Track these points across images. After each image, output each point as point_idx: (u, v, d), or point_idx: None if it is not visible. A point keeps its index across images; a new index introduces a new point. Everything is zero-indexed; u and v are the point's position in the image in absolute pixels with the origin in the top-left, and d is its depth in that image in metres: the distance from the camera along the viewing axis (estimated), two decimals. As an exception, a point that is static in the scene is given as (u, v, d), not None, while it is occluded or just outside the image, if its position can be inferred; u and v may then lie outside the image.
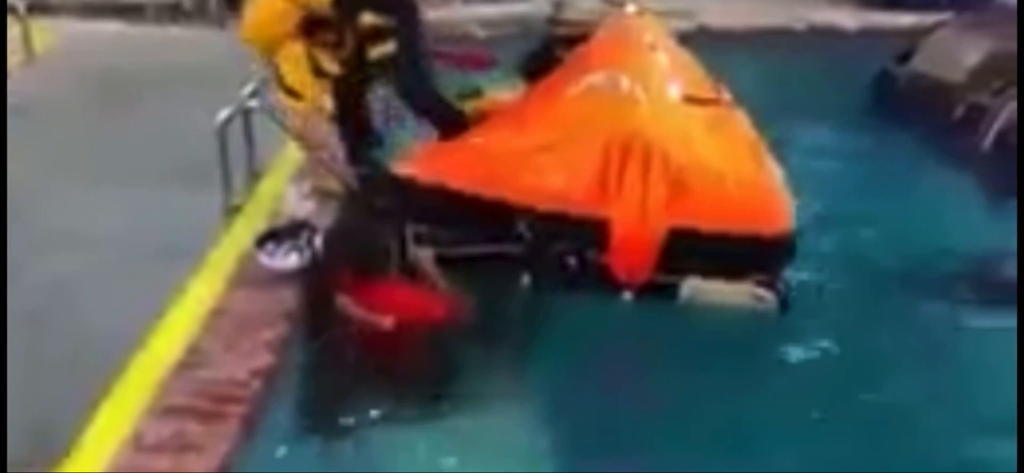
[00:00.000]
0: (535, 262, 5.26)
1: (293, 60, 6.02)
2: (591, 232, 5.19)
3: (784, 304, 5.22)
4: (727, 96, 6.38)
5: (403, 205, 5.47)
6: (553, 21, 8.39)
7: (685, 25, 10.10)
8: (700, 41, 9.53)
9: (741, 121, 6.12)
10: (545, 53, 6.79)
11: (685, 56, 6.61)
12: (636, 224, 5.16)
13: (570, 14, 8.75)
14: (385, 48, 6.10)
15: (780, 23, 11.10)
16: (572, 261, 5.25)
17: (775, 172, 5.59)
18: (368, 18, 6.04)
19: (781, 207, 5.32)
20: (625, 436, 4.39)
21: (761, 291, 5.21)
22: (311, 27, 6.00)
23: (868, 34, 10.76)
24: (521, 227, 5.24)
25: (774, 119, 6.45)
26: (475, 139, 5.75)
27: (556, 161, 5.33)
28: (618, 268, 5.19)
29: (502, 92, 6.61)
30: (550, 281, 5.25)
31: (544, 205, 5.23)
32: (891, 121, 8.13)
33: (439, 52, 7.12)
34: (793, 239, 5.26)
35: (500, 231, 5.28)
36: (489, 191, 5.30)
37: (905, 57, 8.70)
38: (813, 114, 8.00)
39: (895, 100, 8.45)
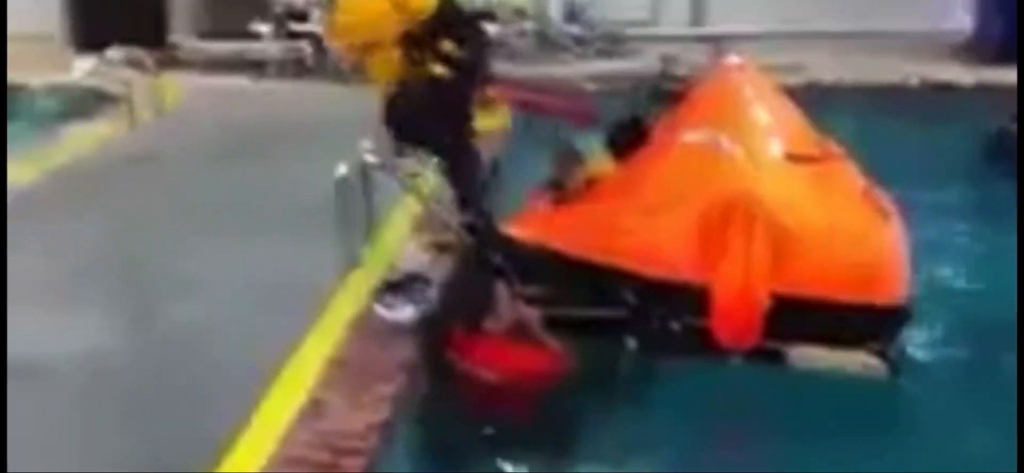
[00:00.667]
0: (639, 327, 5.28)
1: (386, 62, 6.17)
2: (694, 298, 5.16)
3: (895, 371, 5.11)
4: (836, 150, 6.28)
5: (509, 264, 5.55)
6: (664, 77, 8.50)
7: (795, 80, 10.10)
8: (810, 96, 9.55)
9: (850, 177, 5.99)
10: (632, 126, 6.67)
11: (789, 109, 6.48)
12: (738, 291, 5.09)
13: (679, 70, 8.85)
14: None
15: (893, 79, 11.02)
16: (676, 326, 5.24)
17: (891, 231, 5.45)
18: (447, 45, 6.14)
19: (894, 272, 5.17)
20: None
21: (871, 360, 5.11)
22: (407, 42, 6.15)
23: (984, 90, 10.60)
24: (625, 292, 5.27)
25: (887, 178, 6.42)
26: (580, 202, 5.80)
27: (658, 225, 5.32)
28: (722, 335, 5.13)
29: (600, 162, 6.64)
30: (655, 345, 5.27)
31: (647, 270, 5.23)
32: (1008, 180, 8.00)
33: (540, 99, 7.22)
34: (907, 307, 5.13)
35: (605, 295, 5.31)
36: (592, 255, 5.33)
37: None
38: (927, 173, 7.90)
39: (1012, 159, 8.30)
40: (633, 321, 5.29)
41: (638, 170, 5.84)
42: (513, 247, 5.60)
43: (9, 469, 3.59)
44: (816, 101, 9.16)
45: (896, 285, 5.14)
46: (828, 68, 11.32)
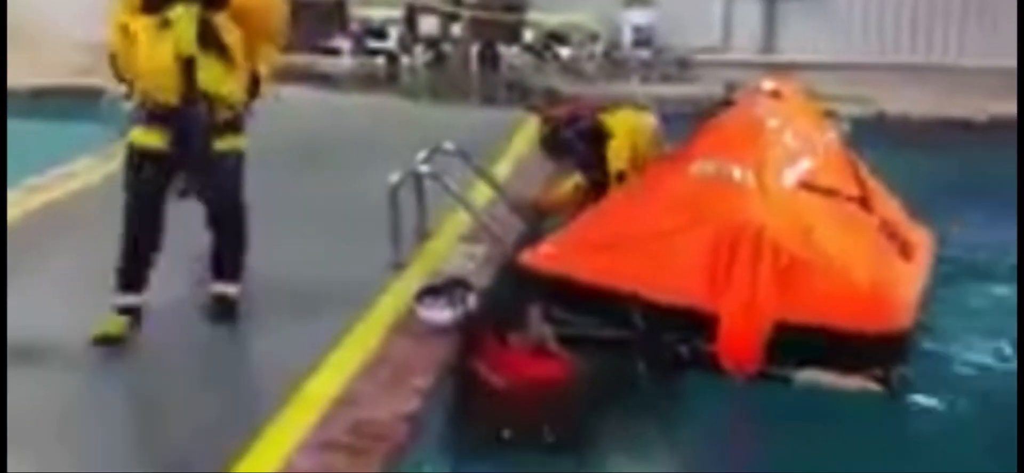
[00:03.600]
0: (647, 350, 5.43)
1: None
2: (699, 323, 5.30)
3: (894, 395, 5.20)
4: (869, 180, 6.28)
5: (524, 289, 5.74)
6: (727, 103, 8.59)
7: (862, 111, 10.15)
8: (876, 129, 9.60)
9: (879, 208, 6.06)
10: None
11: (822, 139, 6.48)
12: (743, 318, 5.21)
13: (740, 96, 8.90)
14: None
15: (961, 114, 10.97)
16: (683, 350, 5.39)
17: (901, 262, 5.58)
18: None
19: (896, 302, 5.27)
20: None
21: (872, 385, 5.18)
22: None
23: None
24: (634, 316, 5.41)
25: (937, 212, 6.48)
26: (588, 225, 5.91)
27: (665, 251, 5.43)
28: (726, 360, 5.26)
29: None
30: (664, 367, 5.41)
31: (654, 295, 5.37)
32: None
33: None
34: (907, 336, 5.23)
35: (615, 318, 5.46)
36: (601, 279, 5.47)
37: None
38: (979, 209, 7.86)
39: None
40: (642, 343, 5.43)
41: (648, 197, 5.91)
42: (527, 273, 5.77)
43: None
44: (880, 133, 9.27)
45: (895, 313, 5.22)
46: (896, 101, 11.31)
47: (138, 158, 5.40)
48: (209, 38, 5.25)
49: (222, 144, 5.45)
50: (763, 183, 5.65)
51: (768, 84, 6.54)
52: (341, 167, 8.40)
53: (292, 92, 11.42)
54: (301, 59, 11.74)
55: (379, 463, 4.44)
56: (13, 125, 8.57)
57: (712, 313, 5.28)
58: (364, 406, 4.82)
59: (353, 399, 4.87)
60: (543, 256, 5.79)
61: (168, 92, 5.26)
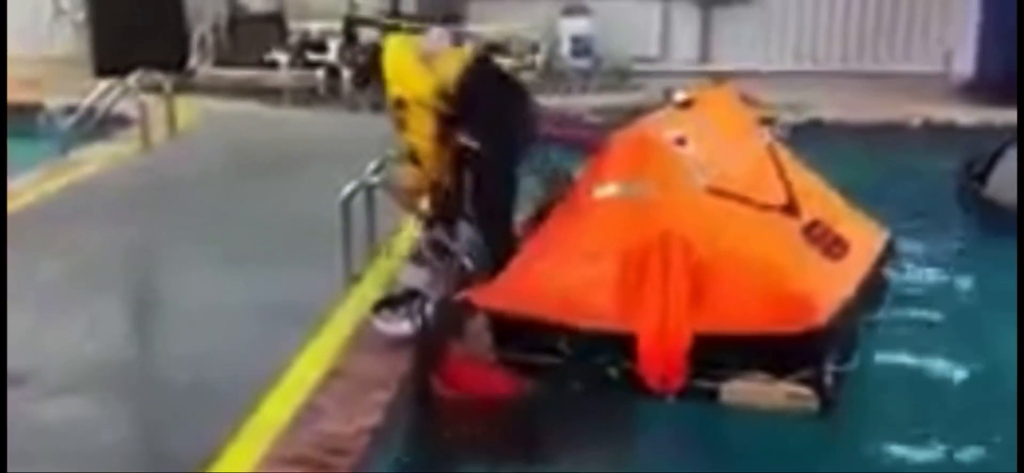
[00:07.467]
0: (578, 375, 5.43)
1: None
2: (621, 345, 5.28)
3: (827, 403, 5.13)
4: (804, 180, 6.28)
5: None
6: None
7: (796, 118, 10.32)
8: (810, 134, 9.75)
9: (810, 207, 6.00)
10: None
11: (745, 144, 6.42)
12: (659, 334, 5.20)
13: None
14: None
15: (894, 118, 11.20)
16: (613, 372, 5.37)
17: (834, 264, 5.61)
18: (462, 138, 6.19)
19: (812, 300, 5.18)
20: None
21: (800, 389, 5.12)
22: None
23: (985, 131, 10.67)
24: (561, 343, 5.43)
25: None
26: (514, 266, 5.89)
27: (580, 279, 5.43)
28: (650, 378, 5.23)
29: None
30: (595, 391, 5.40)
31: (575, 321, 5.36)
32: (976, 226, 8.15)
33: (557, 129, 7.39)
34: (828, 334, 5.12)
35: (544, 346, 5.47)
36: (527, 310, 5.49)
37: (981, 175, 8.54)
38: (901, 213, 7.99)
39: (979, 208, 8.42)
40: (573, 367, 5.44)
41: (558, 231, 5.95)
42: (468, 311, 5.81)
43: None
44: (816, 139, 9.42)
45: (813, 312, 5.12)
46: (830, 106, 11.51)
47: None
48: None
49: None
50: (666, 192, 5.64)
51: (680, 95, 6.50)
52: (287, 181, 8.35)
53: (234, 107, 11.42)
54: (242, 74, 11.69)
55: (343, 477, 4.42)
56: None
57: (629, 333, 5.27)
58: (327, 421, 4.79)
59: (315, 414, 4.85)
60: (480, 296, 5.81)
61: None
